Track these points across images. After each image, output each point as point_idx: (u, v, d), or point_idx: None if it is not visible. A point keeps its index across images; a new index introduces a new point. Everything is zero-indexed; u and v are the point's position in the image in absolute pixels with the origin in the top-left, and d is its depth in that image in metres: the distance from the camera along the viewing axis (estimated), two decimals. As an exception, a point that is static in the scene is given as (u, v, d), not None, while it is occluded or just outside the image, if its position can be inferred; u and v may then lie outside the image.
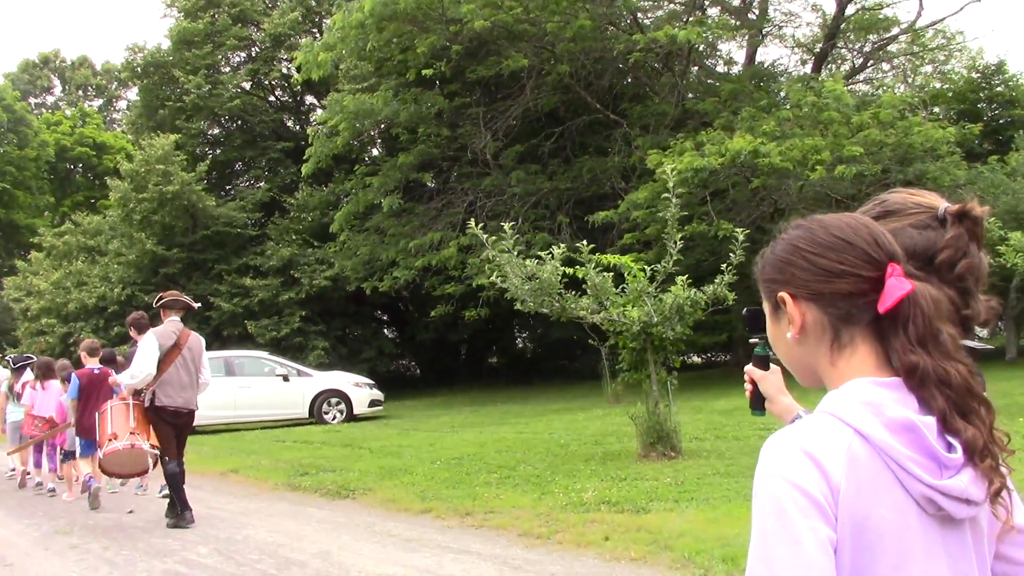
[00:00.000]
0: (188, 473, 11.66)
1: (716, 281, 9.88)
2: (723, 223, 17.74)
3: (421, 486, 9.26)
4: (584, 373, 27.64)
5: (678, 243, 9.96)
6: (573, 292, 9.98)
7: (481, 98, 24.87)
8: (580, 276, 9.91)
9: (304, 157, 24.73)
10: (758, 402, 2.08)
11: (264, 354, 20.65)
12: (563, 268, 9.72)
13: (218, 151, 30.16)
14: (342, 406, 19.30)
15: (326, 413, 19.17)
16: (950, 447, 1.27)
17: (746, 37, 24.85)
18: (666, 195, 10.48)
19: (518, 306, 10.11)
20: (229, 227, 26.83)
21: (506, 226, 10.00)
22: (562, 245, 9.99)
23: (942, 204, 1.45)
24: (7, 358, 13.63)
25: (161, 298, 9.05)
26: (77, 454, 10.36)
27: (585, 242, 9.92)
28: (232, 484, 11.08)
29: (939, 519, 1.26)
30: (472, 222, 10.40)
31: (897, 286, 1.29)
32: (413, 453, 12.06)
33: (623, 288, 10.02)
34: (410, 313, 31.06)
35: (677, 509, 7.07)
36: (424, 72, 20.82)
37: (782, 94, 24.50)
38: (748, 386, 2.08)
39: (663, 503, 7.34)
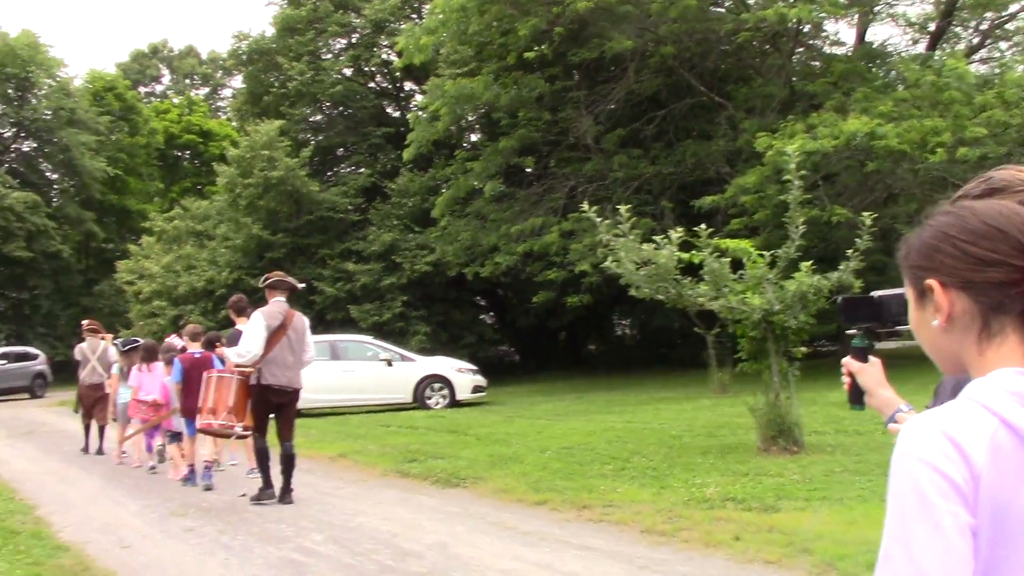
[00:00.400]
0: (298, 457, 11.74)
1: (841, 267, 9.42)
2: (837, 208, 17.09)
3: (533, 476, 9.07)
4: (686, 361, 27.13)
5: (800, 227, 9.51)
6: (689, 278, 9.64)
7: (582, 81, 24.53)
8: (696, 261, 9.56)
9: (405, 143, 24.80)
10: (857, 396, 2.04)
11: (368, 338, 20.75)
12: (679, 253, 9.37)
13: (320, 137, 30.47)
14: (445, 391, 19.27)
15: (429, 398, 19.16)
16: None
17: (856, 16, 23.91)
18: (787, 177, 10.03)
19: (632, 292, 9.83)
20: (332, 212, 27.11)
21: (622, 208, 9.71)
22: (679, 229, 9.63)
23: None
24: (116, 341, 13.99)
25: (267, 279, 9.18)
26: (184, 435, 10.67)
27: (704, 226, 9.55)
28: (341, 469, 11.08)
29: None
30: (585, 205, 10.14)
31: None
32: (521, 441, 11.89)
33: (741, 274, 9.63)
34: (509, 299, 30.97)
35: (809, 508, 6.71)
36: (526, 55, 20.59)
37: (895, 74, 23.60)
38: (846, 379, 2.04)
39: (793, 501, 6.99)
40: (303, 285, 10.70)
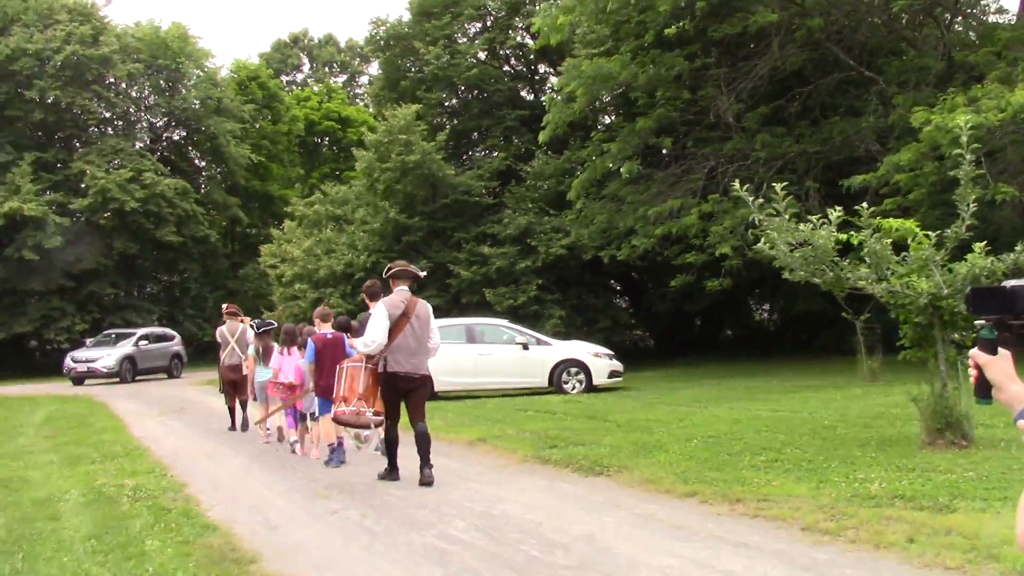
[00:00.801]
0: (436, 440, 11.67)
1: (1017, 248, 8.69)
2: (1002, 186, 15.99)
3: (680, 466, 8.71)
4: (830, 348, 26.13)
5: (971, 206, 8.82)
6: (847, 260, 9.07)
7: (722, 59, 23.79)
8: (856, 242, 8.98)
9: (541, 124, 24.57)
10: (984, 389, 1.96)
11: (504, 322, 20.66)
12: (837, 234, 8.82)
13: (456, 121, 30.58)
14: (581, 376, 19.02)
15: (565, 383, 18.95)
16: None
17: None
18: (957, 151, 9.33)
19: (786, 275, 9.33)
20: (467, 196, 27.18)
21: (777, 186, 9.21)
22: (838, 208, 9.06)
23: None
24: (252, 323, 14.38)
25: (390, 269, 9.41)
26: (317, 413, 11.00)
27: (865, 204, 8.96)
28: (480, 454, 10.95)
29: None
30: (736, 183, 9.67)
31: None
32: (663, 429, 11.52)
33: (904, 256, 9.01)
34: (645, 283, 30.49)
35: (990, 510, 6.16)
36: (666, 31, 20.03)
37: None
38: (973, 372, 1.97)
39: (970, 502, 6.43)
40: (425, 274, 10.79)
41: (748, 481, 7.78)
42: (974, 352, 1.97)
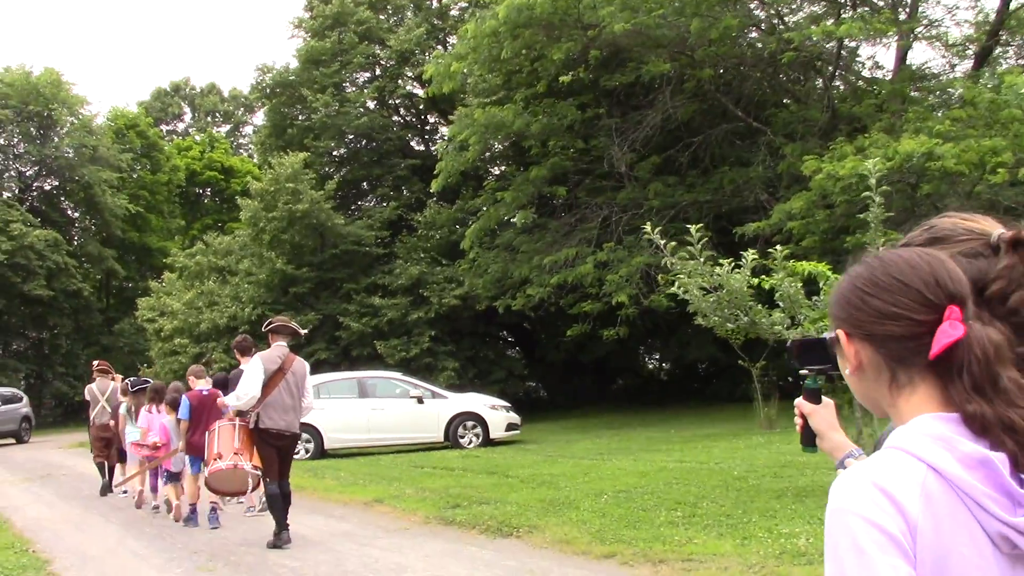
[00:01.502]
0: (330, 503, 10.95)
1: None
2: (892, 233, 16.22)
3: (594, 524, 8.22)
4: (722, 396, 26.23)
5: (881, 248, 8.68)
6: (760, 305, 8.84)
7: (613, 109, 23.90)
8: (767, 286, 8.75)
9: (434, 172, 24.19)
10: (809, 438, 2.02)
11: (397, 374, 19.98)
12: (751, 278, 8.58)
13: (344, 170, 29.89)
14: (478, 430, 18.44)
15: (462, 437, 18.33)
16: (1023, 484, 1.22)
17: (895, 39, 23.20)
18: (866, 193, 9.28)
19: (699, 320, 9.03)
20: (358, 246, 26.47)
21: (693, 228, 8.94)
22: (752, 251, 8.83)
23: (997, 230, 1.38)
24: (126, 381, 13.82)
25: (270, 323, 9.41)
26: (187, 472, 10.77)
27: (779, 248, 8.75)
28: (379, 515, 10.26)
29: (1012, 558, 1.22)
30: (648, 226, 9.39)
31: (946, 333, 1.25)
32: (570, 484, 11.04)
33: (815, 300, 8.82)
34: (538, 334, 30.16)
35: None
36: (560, 80, 19.95)
37: (939, 96, 22.85)
38: (798, 421, 2.02)
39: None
40: (305, 331, 11.12)
41: (668, 539, 7.34)
42: (799, 402, 2.01)
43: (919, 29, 22.89)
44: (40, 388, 41.94)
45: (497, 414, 18.71)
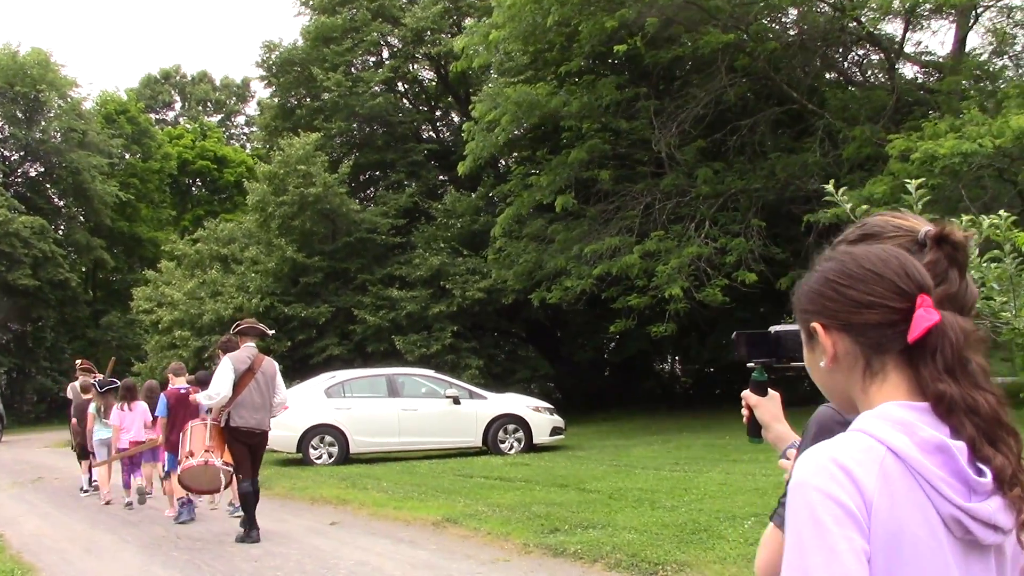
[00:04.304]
0: (389, 521, 9.25)
1: None
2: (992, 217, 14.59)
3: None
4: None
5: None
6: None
7: (653, 89, 22.19)
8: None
9: (455, 156, 22.44)
10: (755, 429, 2.09)
11: (430, 372, 18.17)
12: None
13: (356, 155, 28.00)
14: (520, 434, 16.66)
15: (502, 442, 16.54)
16: (979, 472, 1.29)
17: (953, 21, 21.59)
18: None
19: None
20: (372, 234, 24.62)
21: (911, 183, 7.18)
22: (1003, 213, 7.07)
23: (924, 227, 1.44)
24: (94, 380, 13.69)
25: (238, 325, 9.75)
26: (166, 468, 11.09)
27: (1003, 214, 6.99)
28: (457, 540, 8.46)
29: (965, 543, 1.28)
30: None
31: (924, 317, 1.33)
32: (676, 502, 9.28)
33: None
34: (555, 331, 28.33)
35: None
36: (616, 49, 18.22)
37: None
38: (745, 412, 2.10)
39: None
40: (273, 332, 11.72)
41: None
42: (746, 394, 2.08)
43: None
44: (22, 383, 39.84)
45: (541, 416, 16.94)
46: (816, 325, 1.39)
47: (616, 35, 19.48)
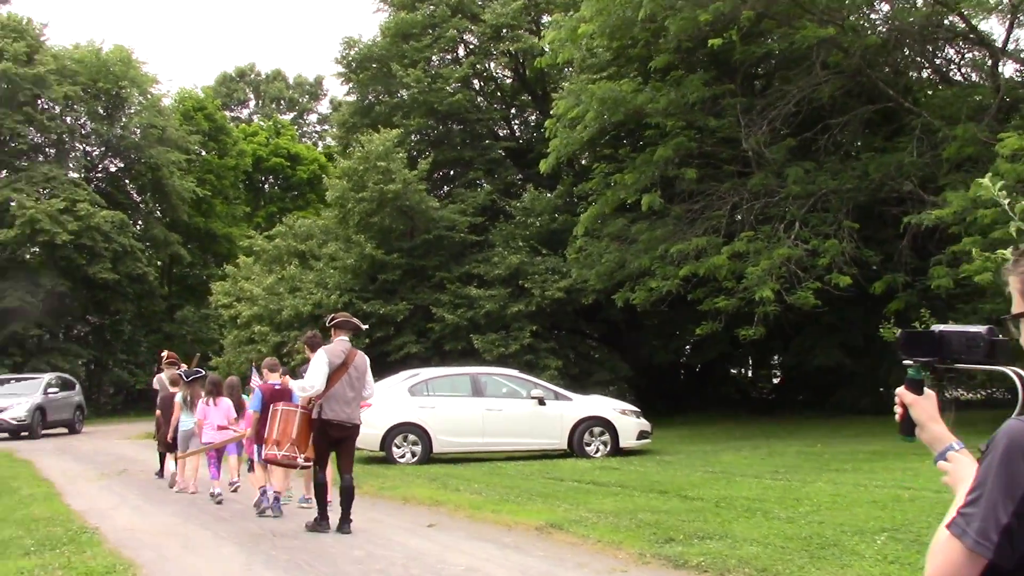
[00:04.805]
0: (489, 524, 8.96)
1: None
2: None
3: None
4: (845, 407, 23.82)
5: None
6: None
7: (740, 86, 21.65)
8: None
9: (533, 153, 22.17)
10: (908, 427, 2.06)
11: (514, 371, 17.90)
12: None
13: (435, 151, 27.87)
14: (606, 437, 16.27)
15: (587, 445, 16.17)
16: None
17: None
18: None
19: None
20: (451, 231, 24.44)
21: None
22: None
23: None
24: (180, 371, 13.98)
25: (333, 319, 9.72)
26: (256, 461, 10.96)
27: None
28: (565, 546, 8.13)
29: None
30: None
31: None
32: (790, 513, 8.85)
33: None
34: (633, 332, 27.84)
35: None
36: (710, 43, 17.72)
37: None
38: (898, 410, 2.07)
39: None
40: (366, 327, 11.59)
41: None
42: (900, 391, 2.06)
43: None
44: (100, 375, 40.49)
45: (628, 420, 16.55)
46: None
47: (703, 31, 19.04)
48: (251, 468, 11.41)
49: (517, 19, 27.62)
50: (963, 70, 21.74)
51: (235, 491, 12.34)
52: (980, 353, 1.96)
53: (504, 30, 28.05)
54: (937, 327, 2.06)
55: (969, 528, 1.67)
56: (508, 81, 31.45)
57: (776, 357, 27.80)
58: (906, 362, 2.05)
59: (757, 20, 18.85)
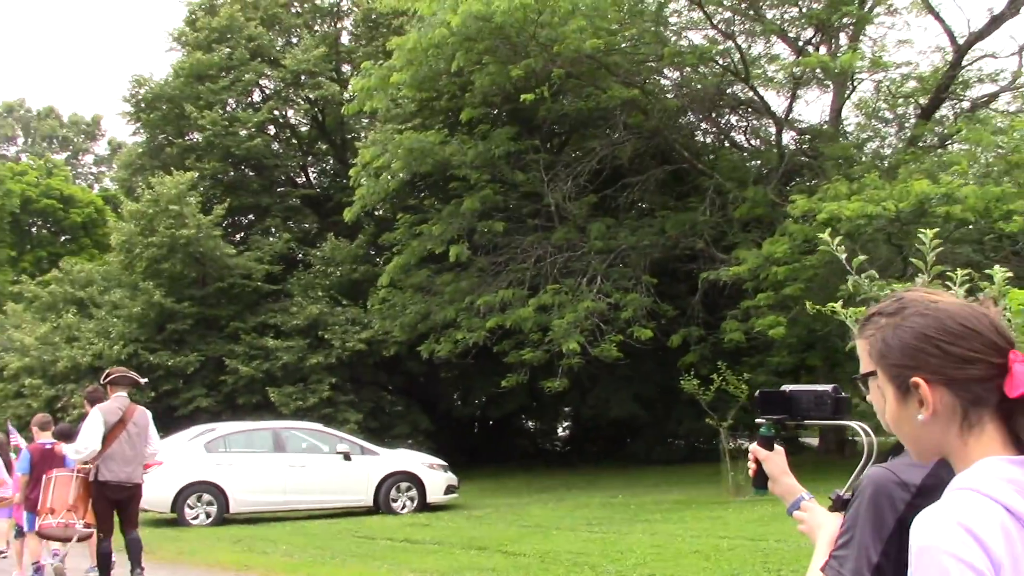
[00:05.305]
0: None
1: None
2: (892, 281, 14.93)
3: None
4: (639, 457, 24.46)
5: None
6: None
7: (544, 143, 22.14)
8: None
9: (344, 200, 21.71)
10: (761, 480, 2.13)
11: (318, 426, 17.19)
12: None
13: (230, 197, 26.77)
14: (413, 492, 15.83)
15: (394, 500, 15.67)
16: None
17: (830, 89, 22.38)
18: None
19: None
20: (246, 280, 23.42)
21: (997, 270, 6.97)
22: (1000, 269, 6.93)
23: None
24: None
25: (108, 375, 9.20)
26: (25, 529, 9.98)
27: (998, 268, 6.88)
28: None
29: None
30: (825, 235, 7.34)
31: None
32: (617, 566, 8.77)
33: None
34: (432, 385, 27.56)
35: None
36: (523, 98, 17.91)
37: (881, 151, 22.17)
38: (752, 465, 2.16)
39: None
40: (145, 380, 10.59)
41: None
42: (754, 447, 2.14)
43: (867, 76, 21.95)
44: None
45: (436, 474, 16.19)
46: (919, 380, 1.40)
47: (509, 87, 19.37)
48: (19, 534, 10.40)
49: (319, 66, 27.14)
50: (747, 136, 23.08)
51: (4, 558, 11.09)
52: (827, 410, 2.06)
53: (303, 76, 27.48)
54: (787, 387, 2.14)
55: (843, 569, 1.74)
56: (305, 128, 30.82)
57: (567, 408, 28.19)
58: (758, 420, 2.14)
59: (565, 78, 19.34)
